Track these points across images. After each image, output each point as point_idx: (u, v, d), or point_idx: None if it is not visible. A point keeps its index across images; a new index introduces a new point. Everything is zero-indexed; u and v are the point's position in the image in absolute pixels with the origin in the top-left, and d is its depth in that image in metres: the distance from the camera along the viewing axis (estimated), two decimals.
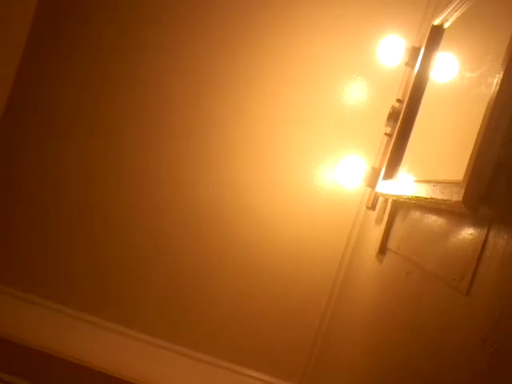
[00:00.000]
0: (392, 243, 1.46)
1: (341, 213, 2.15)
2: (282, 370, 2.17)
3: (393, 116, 1.86)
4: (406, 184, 1.31)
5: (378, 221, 1.73)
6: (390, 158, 1.64)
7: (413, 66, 1.81)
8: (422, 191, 1.07)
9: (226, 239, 2.17)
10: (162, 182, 2.19)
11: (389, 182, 1.58)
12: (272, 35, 2.16)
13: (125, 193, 2.20)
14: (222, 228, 2.17)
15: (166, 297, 2.19)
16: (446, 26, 1.53)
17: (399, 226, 1.44)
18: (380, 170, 1.78)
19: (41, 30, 2.15)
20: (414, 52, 1.83)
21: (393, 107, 1.88)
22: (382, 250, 1.52)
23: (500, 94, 0.83)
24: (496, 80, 0.85)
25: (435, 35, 1.56)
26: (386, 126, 1.90)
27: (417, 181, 1.26)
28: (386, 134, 1.92)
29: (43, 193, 2.20)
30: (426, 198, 1.03)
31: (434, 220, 1.10)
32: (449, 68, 1.37)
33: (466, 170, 0.86)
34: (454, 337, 0.83)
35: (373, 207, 1.84)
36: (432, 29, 1.58)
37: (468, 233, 0.88)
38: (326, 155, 2.16)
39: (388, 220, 1.52)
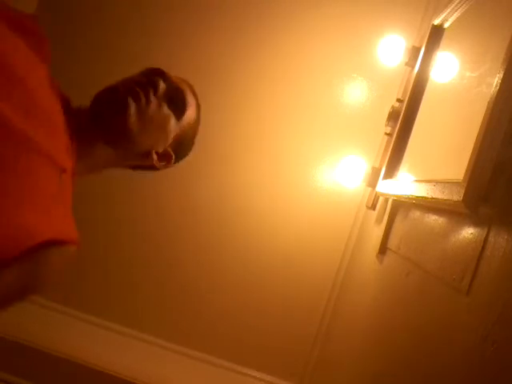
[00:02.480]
0: (392, 243, 1.46)
1: (341, 213, 2.15)
2: (282, 370, 2.17)
3: (393, 116, 1.86)
4: (406, 184, 1.31)
5: (378, 221, 1.73)
6: (390, 158, 1.64)
7: (413, 66, 1.81)
8: (422, 191, 1.08)
9: (226, 239, 2.17)
10: (162, 181, 2.18)
11: (389, 181, 1.58)
12: (272, 35, 2.16)
13: (125, 192, 2.19)
14: (222, 228, 2.17)
15: (166, 297, 2.19)
16: (446, 25, 1.53)
17: (399, 226, 1.44)
18: (380, 169, 1.79)
19: None
20: (414, 52, 1.83)
21: (393, 107, 1.88)
22: (382, 249, 1.52)
23: (500, 94, 0.83)
24: (496, 80, 0.85)
25: (435, 35, 1.57)
26: (386, 125, 1.90)
27: (417, 180, 1.26)
28: (386, 133, 1.92)
29: None
30: (427, 198, 1.03)
31: (434, 220, 1.10)
32: (449, 68, 1.37)
33: (466, 169, 0.86)
34: (455, 336, 0.83)
35: (373, 207, 1.84)
36: (432, 29, 1.58)
37: (468, 232, 0.88)
38: (326, 155, 2.16)
39: (388, 220, 1.52)
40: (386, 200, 1.67)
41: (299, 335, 2.16)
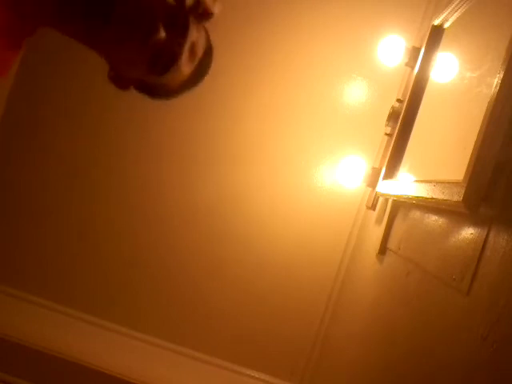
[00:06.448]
0: (392, 243, 1.46)
1: (341, 213, 2.15)
2: (282, 370, 2.17)
3: (393, 116, 1.86)
4: (406, 184, 1.31)
5: (378, 221, 1.73)
6: (390, 158, 1.64)
7: (413, 66, 1.81)
8: (422, 191, 1.08)
9: (226, 239, 2.17)
10: (163, 182, 2.18)
11: (389, 181, 1.58)
12: (272, 35, 2.16)
13: (126, 193, 2.19)
14: (222, 228, 2.17)
15: (166, 297, 2.19)
16: (446, 26, 1.53)
17: (399, 226, 1.44)
18: (380, 169, 1.79)
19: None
20: (414, 52, 1.83)
21: (393, 107, 1.88)
22: (383, 249, 1.52)
23: (500, 94, 0.83)
24: (496, 80, 0.85)
25: (435, 35, 1.57)
26: (386, 125, 1.90)
27: (417, 181, 1.26)
28: (386, 134, 1.92)
29: (44, 192, 2.20)
30: (427, 198, 1.03)
31: (434, 220, 1.10)
32: (449, 68, 1.37)
33: (466, 169, 0.86)
34: (455, 336, 0.83)
35: (373, 207, 1.84)
36: (432, 29, 1.58)
37: (468, 233, 0.88)
38: (326, 155, 2.16)
39: (388, 220, 1.52)
40: (386, 200, 1.67)
41: (299, 335, 2.16)
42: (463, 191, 0.83)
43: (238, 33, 2.17)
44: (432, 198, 1.00)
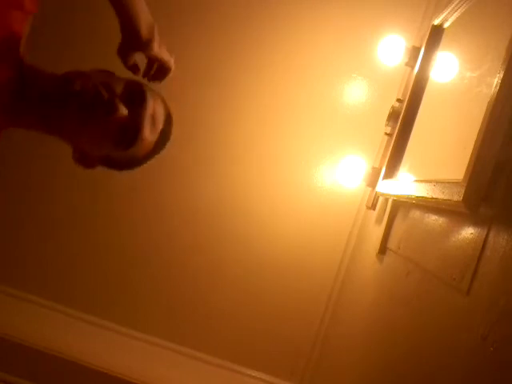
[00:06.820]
0: (392, 243, 1.46)
1: (341, 213, 2.15)
2: (282, 370, 2.17)
3: (393, 116, 1.86)
4: (406, 184, 1.31)
5: (378, 221, 1.73)
6: (390, 158, 1.64)
7: (413, 66, 1.81)
8: (422, 191, 1.08)
9: (226, 239, 2.17)
10: (162, 181, 2.18)
11: (389, 181, 1.58)
12: (272, 35, 2.16)
13: (126, 192, 2.19)
14: (222, 228, 2.17)
15: (166, 297, 2.19)
16: (446, 25, 1.53)
17: (399, 226, 1.44)
18: (380, 169, 1.79)
19: None
20: (414, 52, 1.83)
21: (393, 107, 1.88)
22: (382, 249, 1.52)
23: (500, 94, 0.83)
24: (496, 80, 0.85)
25: (435, 35, 1.57)
26: (386, 125, 1.90)
27: (417, 180, 1.26)
28: (386, 133, 1.92)
29: (44, 192, 2.20)
30: (427, 198, 1.03)
31: (434, 220, 1.10)
32: (449, 68, 1.37)
33: (467, 169, 0.86)
34: (454, 336, 0.83)
35: (373, 207, 1.84)
36: (432, 28, 1.58)
37: (468, 232, 0.88)
38: (326, 155, 2.16)
39: (388, 220, 1.52)
40: (386, 200, 1.67)
41: (299, 335, 2.16)
42: (463, 191, 0.83)
43: (239, 32, 2.17)
44: (432, 198, 1.00)
